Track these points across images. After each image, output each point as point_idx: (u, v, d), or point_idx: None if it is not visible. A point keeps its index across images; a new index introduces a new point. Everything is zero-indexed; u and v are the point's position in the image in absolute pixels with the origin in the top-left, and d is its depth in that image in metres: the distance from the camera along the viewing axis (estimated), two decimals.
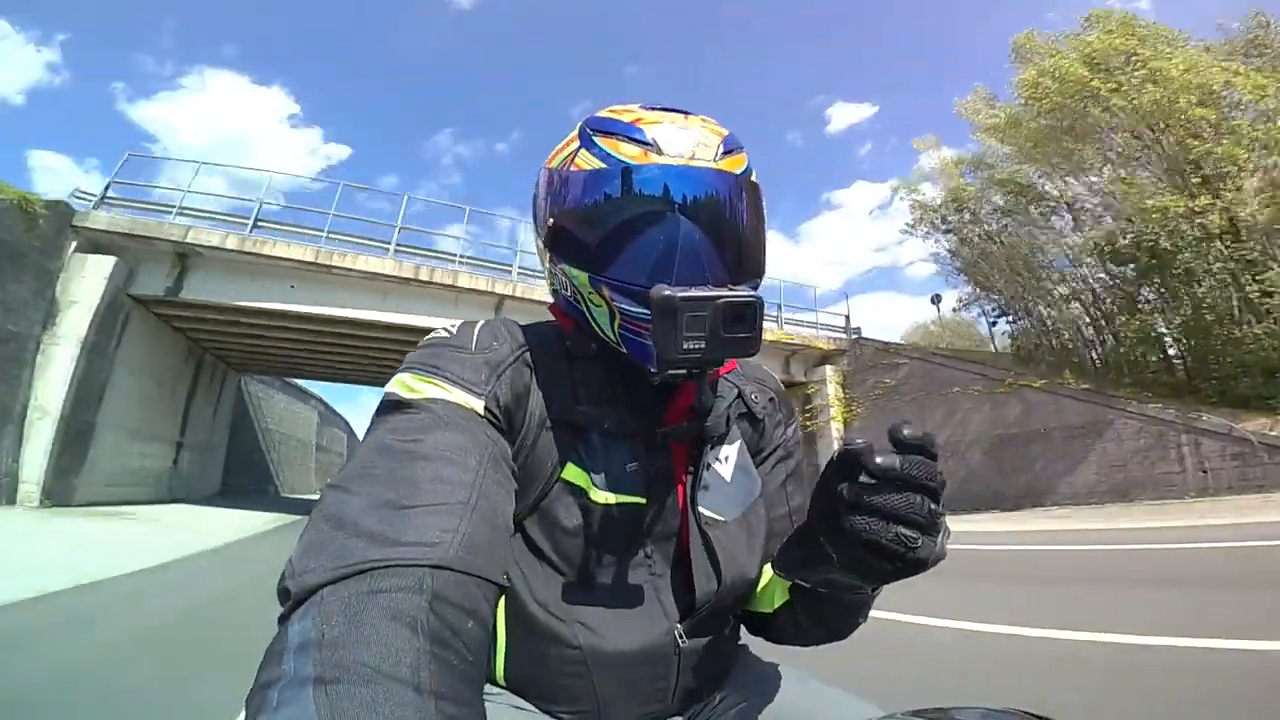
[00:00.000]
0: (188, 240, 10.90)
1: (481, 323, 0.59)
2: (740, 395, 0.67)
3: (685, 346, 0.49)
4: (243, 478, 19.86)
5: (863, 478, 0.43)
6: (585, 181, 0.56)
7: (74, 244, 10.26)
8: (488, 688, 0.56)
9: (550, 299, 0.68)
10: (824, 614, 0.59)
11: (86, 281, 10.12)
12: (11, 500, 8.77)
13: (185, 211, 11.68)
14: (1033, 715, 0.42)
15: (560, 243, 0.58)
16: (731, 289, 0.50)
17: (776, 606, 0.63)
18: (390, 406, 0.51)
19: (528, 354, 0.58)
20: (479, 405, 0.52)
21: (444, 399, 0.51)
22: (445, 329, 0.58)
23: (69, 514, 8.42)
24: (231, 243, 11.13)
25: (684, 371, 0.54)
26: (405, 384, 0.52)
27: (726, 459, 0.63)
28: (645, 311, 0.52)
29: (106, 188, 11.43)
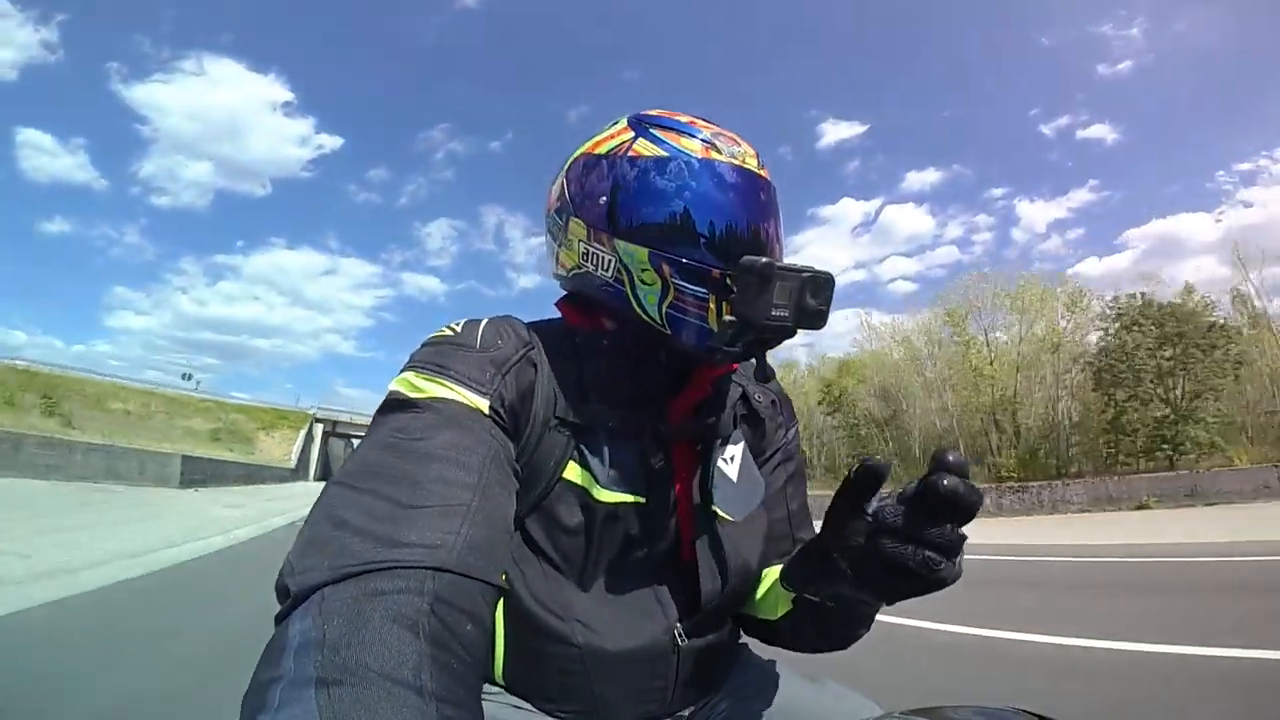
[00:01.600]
0: (336, 419, 46.87)
1: (486, 320, 0.59)
2: (744, 395, 0.66)
3: (773, 314, 0.51)
4: (326, 474, 54.54)
5: (887, 501, 0.44)
6: (653, 165, 0.57)
7: (313, 421, 45.55)
8: (487, 687, 0.56)
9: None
10: (828, 624, 0.59)
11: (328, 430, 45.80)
12: (307, 479, 43.51)
13: (328, 407, 47.70)
14: (1033, 715, 0.42)
15: (616, 221, 0.57)
16: (810, 266, 0.52)
17: (780, 615, 0.62)
18: (394, 405, 0.50)
19: (533, 352, 0.57)
20: (484, 404, 0.51)
21: (449, 398, 0.50)
22: (450, 327, 0.58)
23: (318, 483, 43.13)
24: (345, 417, 47.06)
25: (737, 349, 0.55)
26: (410, 383, 0.52)
27: (733, 459, 0.62)
28: (703, 290, 0.53)
29: (316, 405, 47.21)
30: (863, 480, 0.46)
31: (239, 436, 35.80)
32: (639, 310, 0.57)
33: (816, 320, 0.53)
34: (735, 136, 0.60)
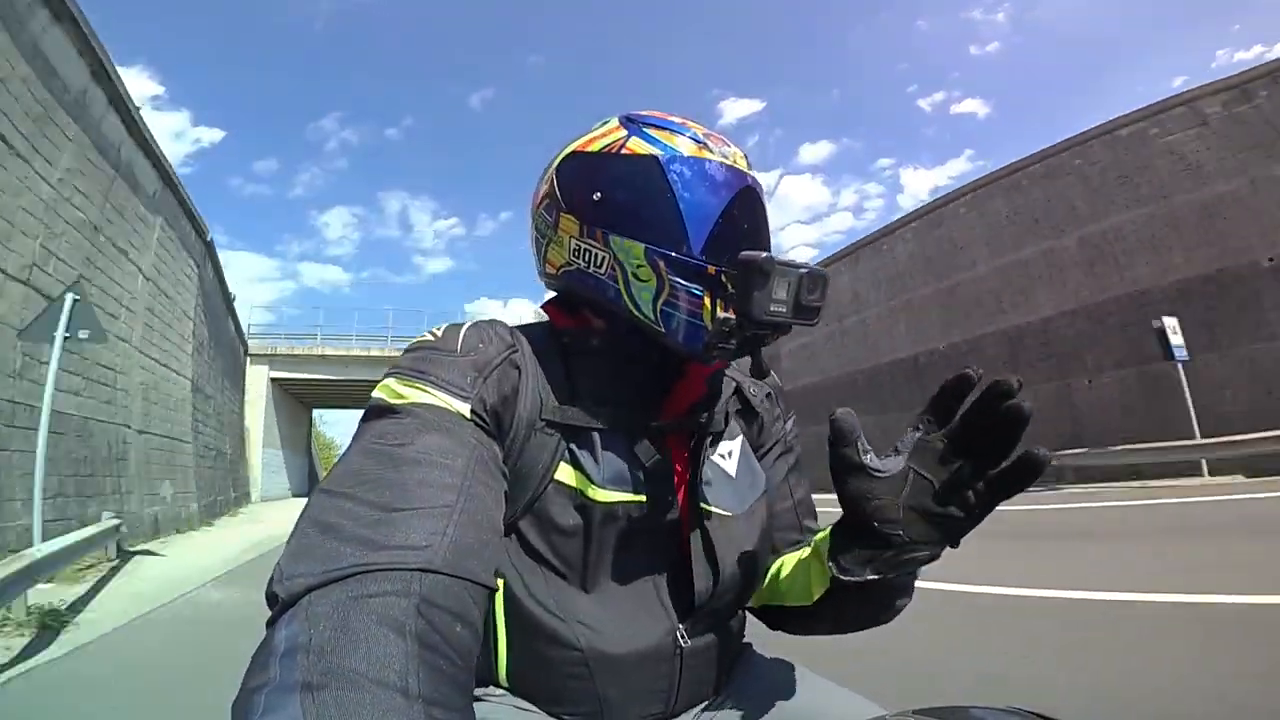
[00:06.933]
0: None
1: (468, 325, 0.59)
2: (739, 390, 0.67)
3: (772, 309, 0.52)
4: None
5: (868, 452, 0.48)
6: (648, 162, 0.58)
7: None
8: (490, 689, 0.57)
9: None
10: (871, 596, 0.56)
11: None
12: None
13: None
14: (1034, 714, 0.42)
15: (611, 217, 0.58)
16: (806, 262, 0.53)
17: (816, 599, 0.60)
18: (376, 412, 0.51)
19: (516, 354, 0.57)
20: (465, 409, 0.51)
21: (430, 403, 0.50)
22: (431, 333, 0.58)
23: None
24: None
25: (731, 346, 0.56)
26: (391, 389, 0.52)
27: (730, 454, 0.63)
28: (699, 287, 0.54)
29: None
30: (836, 438, 0.49)
31: None
32: (632, 307, 0.58)
33: (812, 315, 0.54)
34: (725, 138, 0.62)
